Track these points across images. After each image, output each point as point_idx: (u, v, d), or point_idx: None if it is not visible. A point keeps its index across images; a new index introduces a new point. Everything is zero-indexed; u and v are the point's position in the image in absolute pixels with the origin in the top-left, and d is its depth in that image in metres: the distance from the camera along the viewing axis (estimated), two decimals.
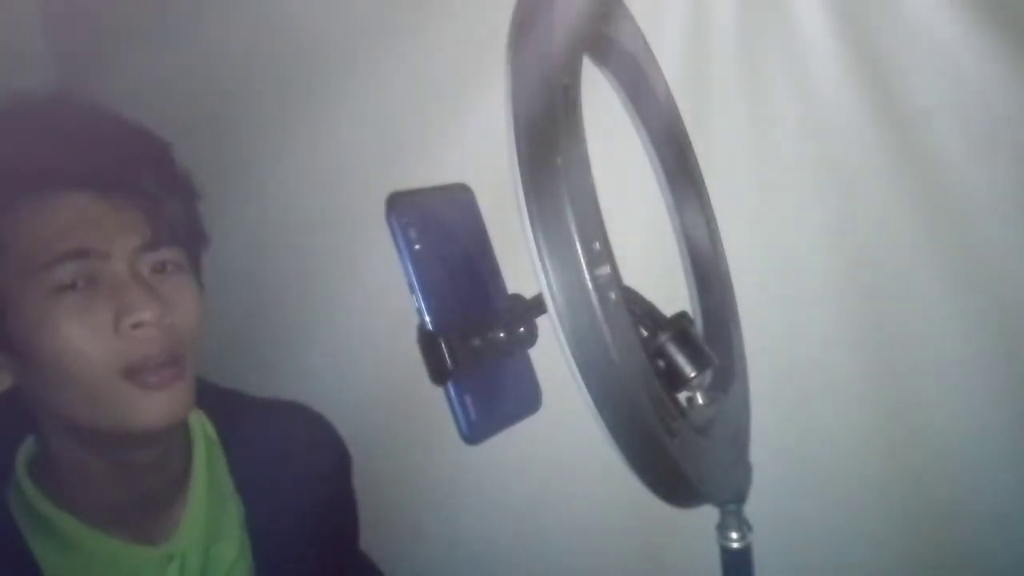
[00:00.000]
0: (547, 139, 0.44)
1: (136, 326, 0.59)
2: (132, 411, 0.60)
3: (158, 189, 0.64)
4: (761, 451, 0.62)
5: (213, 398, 0.70)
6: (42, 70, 1.15)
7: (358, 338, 1.04)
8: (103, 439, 0.63)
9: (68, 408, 0.61)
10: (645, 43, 0.62)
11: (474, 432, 0.53)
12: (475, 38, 0.82)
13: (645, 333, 0.52)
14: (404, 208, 0.53)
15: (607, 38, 0.57)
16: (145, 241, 0.62)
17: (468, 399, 0.53)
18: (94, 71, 1.13)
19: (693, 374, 0.51)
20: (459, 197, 0.60)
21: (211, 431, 0.74)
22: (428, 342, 0.52)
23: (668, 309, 0.54)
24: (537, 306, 0.53)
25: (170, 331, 0.61)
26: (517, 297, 0.58)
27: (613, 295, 0.45)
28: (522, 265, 0.46)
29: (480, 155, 0.66)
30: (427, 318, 0.52)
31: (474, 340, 0.53)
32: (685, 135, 0.66)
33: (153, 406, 0.60)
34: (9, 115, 0.64)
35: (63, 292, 0.59)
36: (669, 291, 0.61)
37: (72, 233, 0.59)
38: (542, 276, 0.44)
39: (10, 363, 0.61)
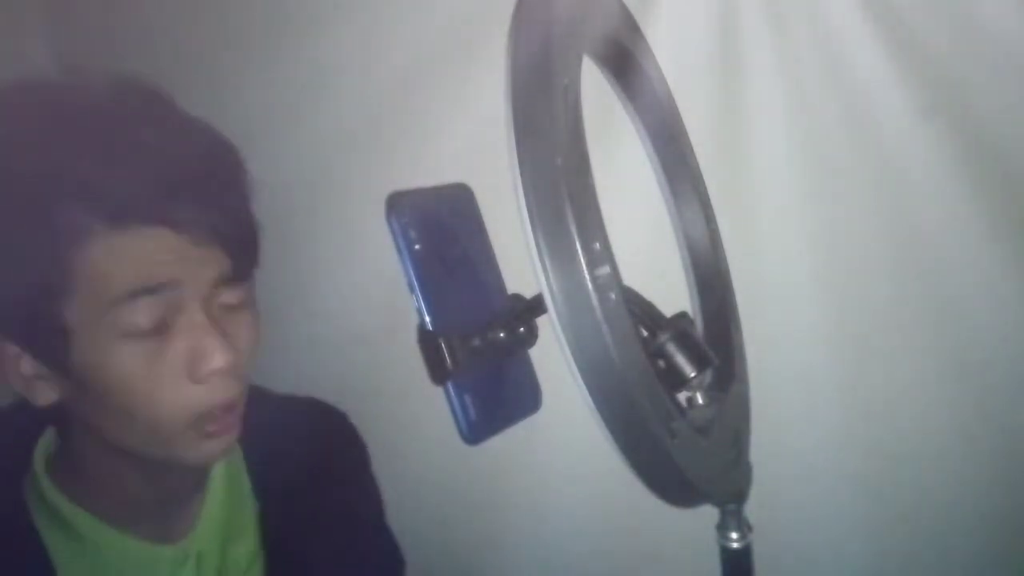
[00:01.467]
0: (547, 139, 0.44)
1: (211, 374, 0.57)
2: (187, 453, 0.59)
3: (236, 220, 0.59)
4: (761, 451, 0.62)
5: None
6: (40, 67, 1.15)
7: (358, 338, 1.04)
8: (142, 460, 0.61)
9: (117, 434, 0.59)
10: (645, 43, 0.62)
11: (474, 432, 0.53)
12: (475, 37, 0.82)
13: (645, 333, 0.52)
14: (404, 208, 0.53)
15: (607, 38, 0.57)
16: (222, 279, 0.59)
17: (468, 399, 0.53)
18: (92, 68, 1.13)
19: (693, 374, 0.50)
20: (459, 197, 0.60)
21: None
22: (428, 342, 0.52)
23: (668, 309, 0.54)
24: (537, 306, 0.53)
25: (238, 374, 0.59)
26: (517, 297, 0.58)
27: (613, 295, 0.44)
28: (522, 265, 0.46)
29: (480, 155, 0.65)
30: (427, 318, 0.52)
31: (474, 340, 0.53)
32: (685, 135, 0.66)
33: (208, 450, 0.60)
34: (77, 108, 0.57)
35: (134, 335, 0.55)
36: (669, 291, 0.61)
37: (147, 271, 0.55)
38: (542, 276, 0.44)
39: (61, 382, 0.58)
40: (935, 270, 0.78)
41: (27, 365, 0.58)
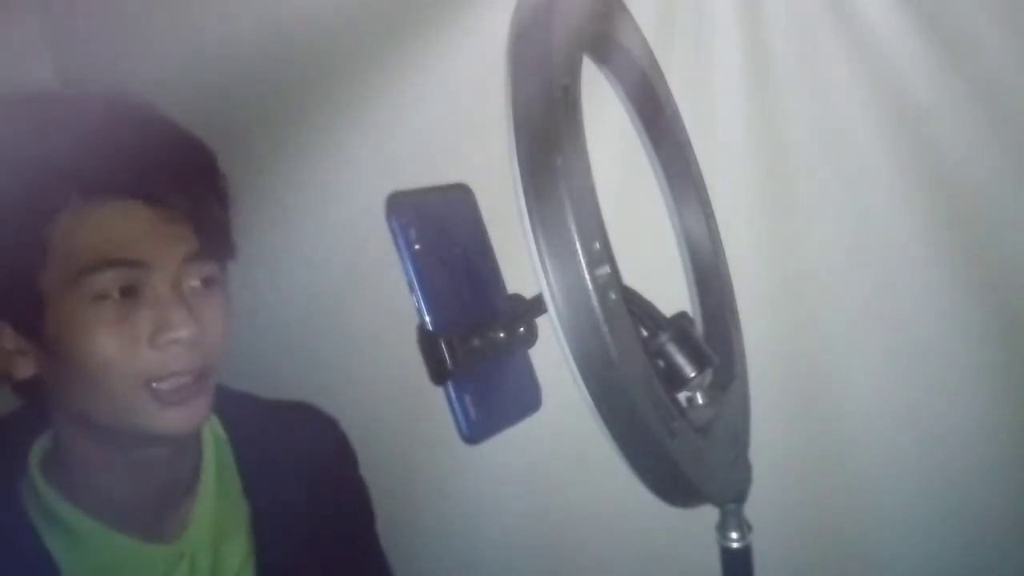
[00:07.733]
0: (547, 139, 0.44)
1: (172, 343, 0.60)
2: (150, 420, 0.61)
3: (206, 203, 0.63)
4: (761, 451, 0.62)
5: (223, 399, 0.70)
6: (41, 70, 1.15)
7: (358, 338, 1.04)
8: (117, 436, 0.63)
9: (87, 405, 0.62)
10: (645, 43, 0.63)
11: (474, 432, 0.53)
12: (475, 38, 0.82)
13: (645, 333, 0.52)
14: (404, 208, 0.53)
15: (607, 38, 0.57)
16: (190, 255, 0.62)
17: (468, 399, 0.53)
18: (93, 74, 1.13)
19: (693, 374, 0.51)
20: (459, 197, 0.60)
21: (221, 432, 0.75)
22: (428, 342, 0.52)
23: (668, 309, 0.54)
24: (537, 306, 0.53)
25: (200, 348, 0.62)
26: (517, 297, 0.58)
27: (613, 295, 0.45)
28: (522, 265, 0.46)
29: (480, 155, 0.65)
30: (427, 318, 0.52)
31: (474, 340, 0.53)
32: (685, 135, 0.66)
33: (171, 418, 0.62)
34: (65, 109, 0.63)
35: (103, 300, 0.59)
36: (669, 291, 0.61)
37: (118, 242, 0.59)
38: (542, 276, 0.44)
39: (37, 353, 0.62)
40: (941, 268, 0.78)
41: (8, 338, 0.62)
